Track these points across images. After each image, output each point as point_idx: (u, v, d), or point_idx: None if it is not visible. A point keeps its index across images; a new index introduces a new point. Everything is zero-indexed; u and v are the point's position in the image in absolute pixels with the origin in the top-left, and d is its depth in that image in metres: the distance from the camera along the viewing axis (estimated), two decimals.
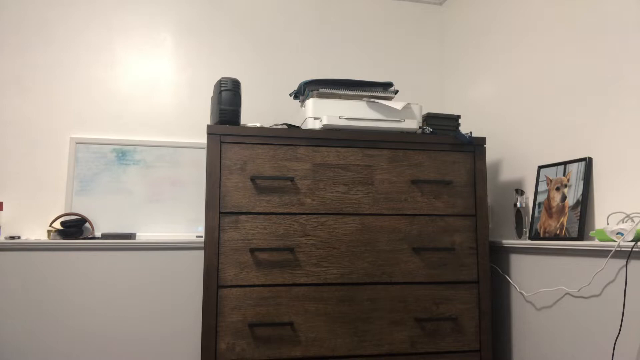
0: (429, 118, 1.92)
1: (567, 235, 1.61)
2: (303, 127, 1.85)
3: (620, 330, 1.37)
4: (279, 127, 1.84)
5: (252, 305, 1.65)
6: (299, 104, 2.00)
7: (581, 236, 1.55)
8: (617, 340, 1.38)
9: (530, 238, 1.79)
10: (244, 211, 1.67)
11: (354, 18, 2.53)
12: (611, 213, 1.48)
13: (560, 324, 1.64)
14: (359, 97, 1.85)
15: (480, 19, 2.29)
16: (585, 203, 1.57)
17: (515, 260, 1.88)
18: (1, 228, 2.04)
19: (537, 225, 1.76)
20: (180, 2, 2.35)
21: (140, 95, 2.26)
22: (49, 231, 2.04)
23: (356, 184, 1.76)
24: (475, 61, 2.31)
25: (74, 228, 2.05)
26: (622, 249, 1.37)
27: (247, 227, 1.67)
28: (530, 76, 1.91)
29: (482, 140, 1.88)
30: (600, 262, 1.45)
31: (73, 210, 2.10)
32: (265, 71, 2.38)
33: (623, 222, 1.41)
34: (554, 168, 1.73)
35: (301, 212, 1.71)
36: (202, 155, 2.22)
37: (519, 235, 1.86)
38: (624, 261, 1.38)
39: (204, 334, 1.60)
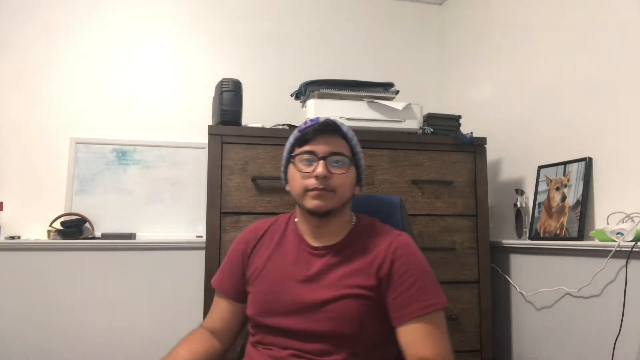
0: (429, 118, 1.92)
1: (567, 235, 1.61)
2: None
3: (620, 330, 1.38)
4: (280, 127, 1.85)
5: None
6: (300, 104, 2.00)
7: (581, 236, 1.56)
8: (617, 340, 1.38)
9: (530, 238, 1.80)
10: (245, 211, 1.67)
11: (354, 18, 2.53)
12: (611, 213, 1.48)
13: (560, 324, 1.65)
14: (360, 98, 1.85)
15: (480, 19, 2.29)
16: (585, 203, 1.57)
17: (515, 260, 1.88)
18: (1, 228, 2.03)
19: (537, 225, 1.76)
20: (180, 2, 2.34)
21: (140, 95, 2.26)
22: (49, 231, 2.04)
23: None
24: (475, 61, 2.32)
25: (74, 228, 2.04)
26: (622, 249, 1.38)
27: None
28: (530, 76, 1.92)
29: (482, 141, 1.88)
30: (600, 262, 1.46)
31: (73, 210, 2.09)
32: (266, 72, 2.38)
33: (623, 222, 1.42)
34: (554, 168, 1.73)
35: None
36: (202, 155, 2.21)
37: (519, 235, 1.87)
38: (624, 261, 1.39)
39: None
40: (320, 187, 1.09)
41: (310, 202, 1.10)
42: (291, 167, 1.16)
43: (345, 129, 1.17)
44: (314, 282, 1.11)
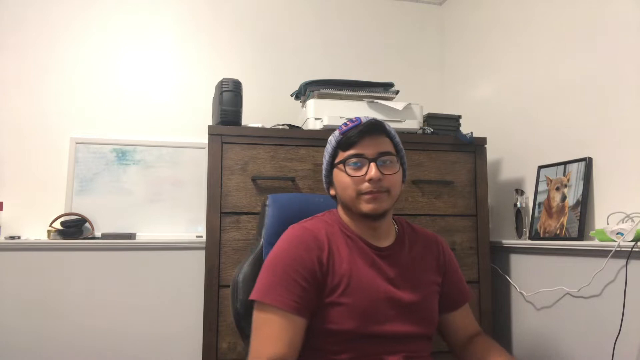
0: (429, 118, 1.92)
1: (567, 235, 1.61)
2: (304, 128, 1.85)
3: (620, 330, 1.37)
4: (280, 127, 1.85)
5: None
6: (300, 104, 2.00)
7: (581, 236, 1.56)
8: (617, 340, 1.38)
9: (530, 238, 1.80)
10: (245, 211, 1.67)
11: (354, 18, 2.53)
12: (611, 213, 1.48)
13: (560, 324, 1.65)
14: (360, 98, 1.86)
15: (480, 19, 2.29)
16: (585, 203, 1.57)
17: (515, 260, 1.88)
18: (1, 228, 2.03)
19: (537, 225, 1.76)
20: (181, 3, 2.34)
21: (141, 95, 2.26)
22: (49, 231, 2.04)
23: None
24: (475, 61, 2.32)
25: (74, 228, 2.04)
26: (622, 249, 1.38)
27: (248, 227, 1.67)
28: (530, 76, 1.92)
29: (482, 141, 1.88)
30: (600, 262, 1.46)
31: (73, 210, 2.09)
32: (266, 72, 2.38)
33: (623, 222, 1.42)
34: (554, 168, 1.73)
35: None
36: (202, 155, 2.21)
37: (519, 235, 1.87)
38: (624, 261, 1.39)
39: (205, 333, 1.60)
40: (375, 190, 1.06)
41: (366, 206, 1.07)
42: (337, 171, 1.12)
43: (389, 127, 1.14)
44: (398, 284, 1.10)
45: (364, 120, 1.12)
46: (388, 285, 1.09)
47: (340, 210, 1.17)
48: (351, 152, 1.09)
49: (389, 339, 1.06)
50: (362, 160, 1.08)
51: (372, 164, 1.06)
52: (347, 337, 1.04)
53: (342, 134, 1.11)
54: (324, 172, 1.17)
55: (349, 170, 1.08)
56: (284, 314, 1.01)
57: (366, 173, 1.06)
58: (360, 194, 1.07)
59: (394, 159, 1.11)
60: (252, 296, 1.05)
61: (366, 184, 1.06)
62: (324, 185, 1.19)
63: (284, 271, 1.04)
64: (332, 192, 1.17)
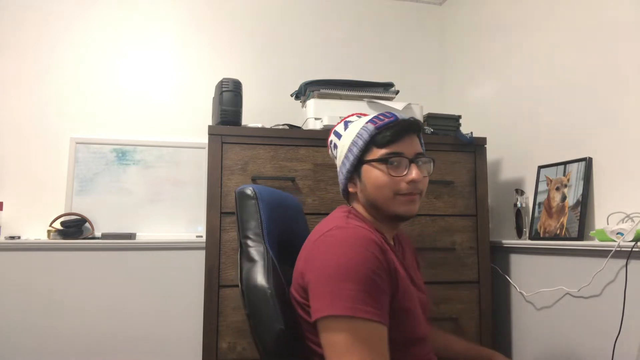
0: (429, 118, 1.92)
1: (567, 235, 1.61)
2: (304, 128, 1.85)
3: (620, 330, 1.37)
4: (280, 127, 1.85)
5: None
6: (300, 104, 2.00)
7: (581, 236, 1.56)
8: (617, 340, 1.38)
9: (530, 238, 1.80)
10: None
11: (354, 18, 2.53)
12: (611, 213, 1.48)
13: (560, 324, 1.65)
14: (360, 98, 1.86)
15: (480, 19, 2.29)
16: (585, 203, 1.57)
17: (515, 260, 1.88)
18: (1, 228, 2.03)
19: (537, 225, 1.76)
20: (181, 3, 2.34)
21: (141, 95, 2.26)
22: (49, 231, 2.04)
23: None
24: (475, 61, 2.32)
25: (74, 228, 2.04)
26: (622, 249, 1.38)
27: None
28: (530, 76, 1.92)
29: (482, 141, 1.88)
30: (600, 262, 1.46)
31: (73, 210, 2.09)
32: (266, 72, 2.38)
33: (623, 222, 1.42)
34: (554, 168, 1.73)
35: None
36: (203, 155, 2.21)
37: (519, 235, 1.87)
38: (624, 261, 1.39)
39: (205, 333, 1.60)
40: (414, 192, 1.02)
41: (402, 207, 1.02)
42: (368, 168, 1.03)
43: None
44: (416, 285, 1.10)
45: (399, 116, 1.07)
46: (413, 286, 1.08)
47: (361, 209, 1.09)
48: (389, 150, 1.02)
49: (425, 340, 1.06)
50: (401, 159, 1.02)
51: (413, 165, 1.02)
52: (405, 342, 0.99)
53: (378, 128, 1.04)
54: (347, 167, 1.07)
55: (389, 169, 1.01)
56: (377, 327, 0.87)
57: (406, 173, 1.01)
58: (397, 194, 1.02)
59: (427, 160, 1.07)
60: (336, 311, 0.85)
61: (405, 185, 1.01)
62: (343, 180, 1.10)
63: (368, 277, 0.88)
64: (351, 188, 1.09)
